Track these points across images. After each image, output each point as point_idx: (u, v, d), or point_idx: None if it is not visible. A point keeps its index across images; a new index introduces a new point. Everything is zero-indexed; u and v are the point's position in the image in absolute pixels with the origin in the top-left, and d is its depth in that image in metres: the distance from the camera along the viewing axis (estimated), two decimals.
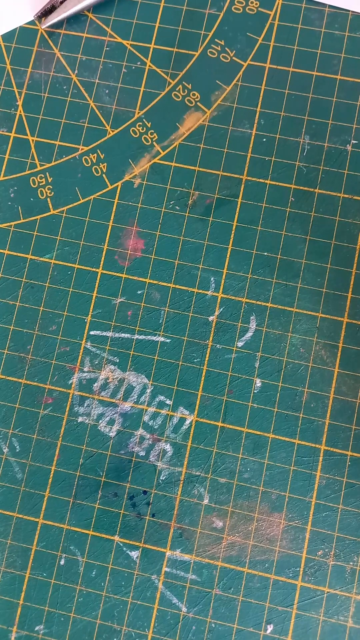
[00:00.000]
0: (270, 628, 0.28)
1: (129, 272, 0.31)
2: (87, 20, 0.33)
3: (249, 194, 0.31)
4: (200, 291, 0.31)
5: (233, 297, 0.30)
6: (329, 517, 0.28)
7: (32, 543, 0.29)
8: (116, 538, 0.29)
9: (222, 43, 0.32)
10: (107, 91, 0.33)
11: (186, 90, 0.32)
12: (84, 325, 0.31)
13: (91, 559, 0.29)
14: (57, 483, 0.30)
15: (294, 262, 0.30)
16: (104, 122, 0.32)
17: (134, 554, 0.29)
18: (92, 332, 0.31)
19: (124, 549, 0.29)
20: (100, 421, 0.30)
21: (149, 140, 0.32)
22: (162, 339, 0.30)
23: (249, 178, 0.31)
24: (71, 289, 0.31)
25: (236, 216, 0.31)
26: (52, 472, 0.30)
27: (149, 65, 0.33)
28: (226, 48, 0.32)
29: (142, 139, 0.32)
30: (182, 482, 0.29)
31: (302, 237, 0.31)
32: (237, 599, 0.28)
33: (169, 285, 0.31)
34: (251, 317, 0.30)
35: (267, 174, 0.31)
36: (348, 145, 0.31)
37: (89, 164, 0.32)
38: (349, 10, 0.32)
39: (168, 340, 0.30)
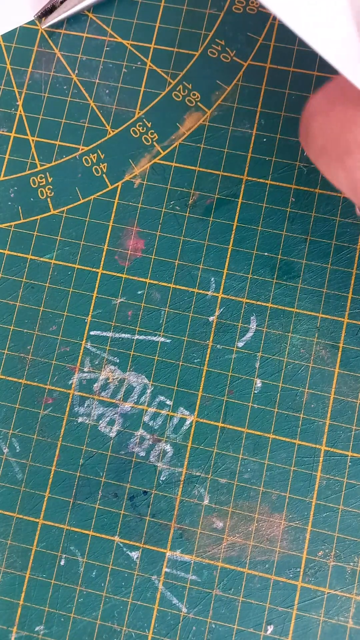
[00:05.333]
0: (270, 629, 0.28)
1: (129, 272, 0.31)
2: (87, 20, 0.33)
3: (249, 194, 0.31)
4: (200, 291, 0.31)
5: (233, 298, 0.30)
6: (329, 518, 0.28)
7: (32, 543, 0.29)
8: (116, 538, 0.29)
9: (223, 43, 0.32)
10: (107, 91, 0.33)
11: (186, 90, 0.32)
12: (84, 325, 0.31)
13: (91, 560, 0.29)
14: (57, 483, 0.30)
15: (294, 262, 0.30)
16: (104, 122, 0.32)
17: (134, 555, 0.29)
18: (92, 332, 0.31)
19: (124, 549, 0.29)
20: (101, 421, 0.30)
21: (149, 140, 0.32)
22: (162, 339, 0.30)
23: (249, 178, 0.31)
24: (71, 289, 0.31)
25: (236, 216, 0.31)
26: (52, 473, 0.30)
27: (149, 65, 0.33)
28: (226, 48, 0.32)
29: (143, 139, 0.32)
30: (182, 482, 0.29)
31: (302, 237, 0.30)
32: (237, 599, 0.28)
33: (169, 285, 0.31)
34: (251, 318, 0.30)
35: (267, 174, 0.31)
36: None
37: (89, 164, 0.32)
38: None
39: (168, 341, 0.30)
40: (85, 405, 0.30)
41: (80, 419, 0.30)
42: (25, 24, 0.34)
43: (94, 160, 0.32)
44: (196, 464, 0.29)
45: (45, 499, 0.30)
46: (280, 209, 0.31)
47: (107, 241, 0.31)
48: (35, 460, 0.30)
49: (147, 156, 0.32)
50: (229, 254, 0.31)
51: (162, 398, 0.30)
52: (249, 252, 0.31)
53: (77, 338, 0.31)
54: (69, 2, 0.33)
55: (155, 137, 0.32)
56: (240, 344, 0.30)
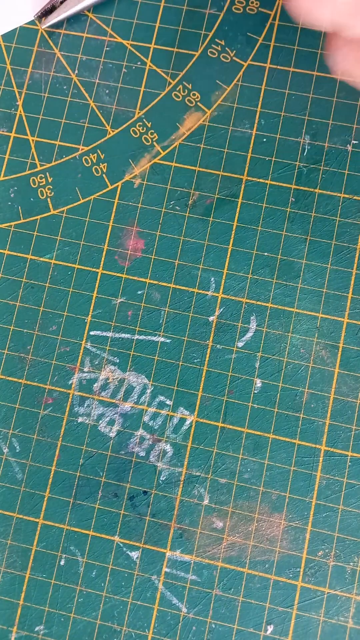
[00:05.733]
0: (270, 629, 0.28)
1: (129, 272, 0.31)
2: (87, 20, 0.33)
3: (249, 194, 0.31)
4: (200, 291, 0.31)
5: (233, 298, 0.30)
6: (329, 518, 0.28)
7: (32, 543, 0.29)
8: (116, 538, 0.29)
9: (223, 43, 0.32)
10: (107, 91, 0.33)
11: (186, 90, 0.32)
12: (84, 325, 0.31)
13: (91, 560, 0.29)
14: (57, 483, 0.30)
15: (294, 262, 0.30)
16: (104, 122, 0.32)
17: (134, 555, 0.29)
18: (92, 332, 0.31)
19: (124, 549, 0.29)
20: (101, 421, 0.30)
21: (149, 140, 0.32)
22: (162, 339, 0.30)
23: (249, 178, 0.31)
24: (71, 289, 0.31)
25: (236, 216, 0.31)
26: (52, 473, 0.30)
27: (149, 65, 0.33)
28: (226, 48, 0.32)
29: (142, 139, 0.32)
30: (182, 482, 0.29)
31: (302, 237, 0.30)
32: (237, 599, 0.28)
33: (169, 285, 0.31)
34: (251, 318, 0.30)
35: (267, 174, 0.31)
36: (348, 145, 0.31)
37: (89, 164, 0.32)
38: None
39: (168, 341, 0.30)
40: (85, 405, 0.30)
41: (80, 419, 0.30)
42: (25, 24, 0.34)
43: (94, 160, 0.32)
44: (196, 464, 0.29)
45: (45, 499, 0.30)
46: (280, 209, 0.31)
47: (107, 241, 0.31)
48: (35, 460, 0.30)
49: (147, 156, 0.32)
50: (229, 254, 0.31)
51: (162, 398, 0.30)
52: (249, 252, 0.31)
53: (77, 338, 0.31)
54: (69, 2, 0.33)
55: (155, 137, 0.32)
56: (240, 344, 0.30)
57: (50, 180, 0.32)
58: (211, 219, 0.31)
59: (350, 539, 0.28)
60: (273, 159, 0.31)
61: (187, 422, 0.30)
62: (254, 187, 0.31)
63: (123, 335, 0.31)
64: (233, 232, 0.31)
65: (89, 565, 0.29)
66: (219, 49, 0.32)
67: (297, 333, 0.30)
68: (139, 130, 0.32)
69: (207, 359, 0.30)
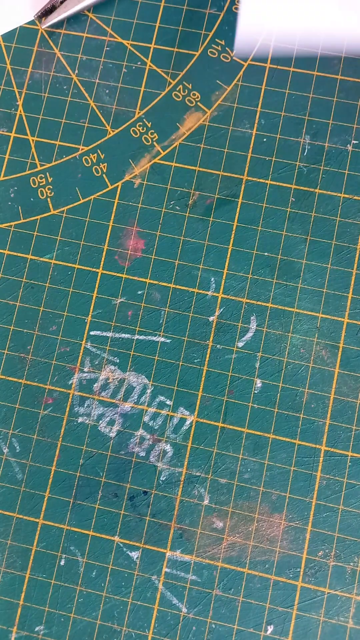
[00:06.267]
0: (270, 629, 0.28)
1: (129, 272, 0.31)
2: (87, 20, 0.33)
3: (249, 194, 0.31)
4: (200, 291, 0.31)
5: (233, 298, 0.30)
6: (329, 518, 0.28)
7: (32, 543, 0.29)
8: (116, 538, 0.29)
9: (223, 43, 0.32)
10: (107, 91, 0.33)
11: (186, 90, 0.32)
12: (84, 325, 0.31)
13: (91, 560, 0.29)
14: (57, 483, 0.30)
15: (294, 262, 0.30)
16: (104, 122, 0.32)
17: (134, 555, 0.29)
18: (92, 333, 0.31)
19: (124, 549, 0.29)
20: (101, 421, 0.30)
21: (149, 140, 0.32)
22: (162, 339, 0.30)
23: (249, 178, 0.31)
24: (71, 289, 0.31)
25: (236, 216, 0.31)
26: (52, 473, 0.30)
27: (149, 65, 0.33)
28: (226, 48, 0.32)
29: (143, 139, 0.32)
30: (182, 482, 0.29)
31: (302, 237, 0.30)
32: (237, 599, 0.28)
33: (169, 285, 0.31)
34: (251, 318, 0.30)
35: (267, 174, 0.31)
36: (348, 145, 0.31)
37: (89, 164, 0.32)
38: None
39: (168, 341, 0.30)
40: (85, 405, 0.30)
41: (80, 419, 0.30)
42: (25, 24, 0.34)
43: (94, 160, 0.32)
44: (196, 464, 0.29)
45: (45, 499, 0.30)
46: (280, 209, 0.31)
47: (107, 241, 0.31)
48: (35, 460, 0.30)
49: (147, 156, 0.32)
50: (229, 254, 0.31)
51: (162, 398, 0.30)
52: (249, 252, 0.31)
53: (77, 338, 0.31)
54: (69, 2, 0.33)
55: (155, 137, 0.32)
56: (240, 344, 0.30)
57: (50, 180, 0.32)
58: (211, 219, 0.31)
59: (350, 539, 0.28)
60: (273, 159, 0.31)
61: (187, 422, 0.30)
62: (254, 187, 0.31)
63: (123, 335, 0.31)
64: (233, 232, 0.31)
65: (89, 565, 0.29)
66: (219, 49, 0.32)
67: (297, 333, 0.30)
68: (139, 130, 0.32)
69: (207, 359, 0.30)
